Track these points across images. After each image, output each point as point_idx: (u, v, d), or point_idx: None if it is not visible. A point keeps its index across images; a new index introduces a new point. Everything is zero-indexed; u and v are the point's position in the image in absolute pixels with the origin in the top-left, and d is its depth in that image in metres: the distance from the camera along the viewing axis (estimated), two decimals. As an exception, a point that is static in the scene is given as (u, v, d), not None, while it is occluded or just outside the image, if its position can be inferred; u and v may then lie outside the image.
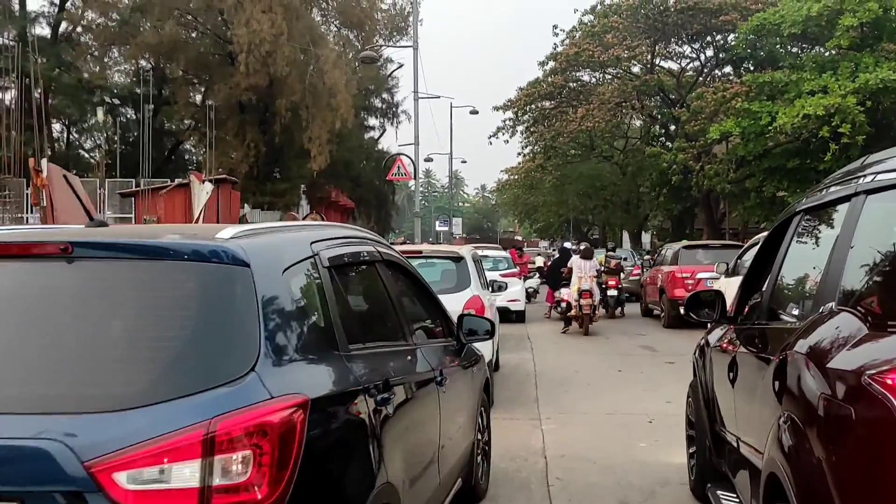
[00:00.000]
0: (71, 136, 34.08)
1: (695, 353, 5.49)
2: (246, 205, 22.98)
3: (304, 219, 22.33)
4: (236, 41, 22.99)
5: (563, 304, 16.06)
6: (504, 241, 69.56)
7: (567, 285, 16.52)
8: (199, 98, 27.88)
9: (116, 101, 30.05)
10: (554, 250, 17.44)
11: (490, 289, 10.81)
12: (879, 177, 2.73)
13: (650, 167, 36.36)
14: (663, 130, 38.61)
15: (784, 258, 3.76)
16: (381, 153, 40.71)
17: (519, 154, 39.91)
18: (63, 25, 29.12)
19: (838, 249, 2.85)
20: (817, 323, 2.73)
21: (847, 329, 2.47)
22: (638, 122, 43.79)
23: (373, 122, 41.01)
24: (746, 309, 4.37)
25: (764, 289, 4.04)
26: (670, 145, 34.47)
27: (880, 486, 2.06)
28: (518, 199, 55.32)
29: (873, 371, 2.11)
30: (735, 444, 3.98)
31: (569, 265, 16.89)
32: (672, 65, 38.10)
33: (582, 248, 17.65)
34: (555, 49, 35.62)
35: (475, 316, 4.88)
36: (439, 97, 28.21)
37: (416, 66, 22.47)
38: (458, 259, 8.61)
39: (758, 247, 11.36)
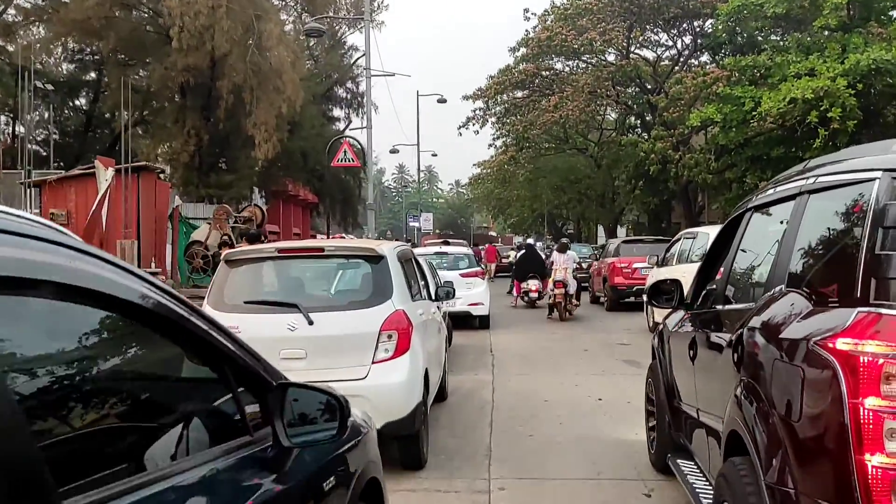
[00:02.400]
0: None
1: (653, 339, 5.85)
2: (177, 197, 20.20)
3: (241, 211, 19.66)
4: (167, 13, 20.11)
5: (532, 295, 18.61)
6: (478, 236, 67.09)
7: (534, 277, 18.77)
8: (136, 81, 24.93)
9: (50, 87, 27.15)
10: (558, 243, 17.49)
11: (435, 297, 8.16)
12: (820, 179, 3.12)
13: (626, 158, 34.06)
14: (639, 121, 36.20)
15: (737, 250, 4.12)
16: (357, 150, 37.95)
17: (490, 146, 37.30)
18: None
19: (786, 240, 3.23)
20: (770, 302, 3.11)
21: (795, 306, 2.86)
22: (613, 115, 41.62)
23: (337, 112, 38.14)
24: (701, 296, 4.71)
25: (719, 277, 4.51)
26: (646, 136, 32.15)
27: (825, 430, 2.39)
28: (491, 193, 52.75)
29: (818, 338, 2.49)
30: (695, 415, 4.29)
31: (551, 259, 17.78)
32: (648, 54, 35.62)
33: (559, 242, 18.94)
34: (526, 35, 33.02)
35: (308, 389, 2.24)
36: (394, 74, 25.61)
37: (368, 40, 19.86)
38: (374, 259, 5.96)
39: (689, 240, 12.39)
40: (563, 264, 16.51)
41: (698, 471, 4.39)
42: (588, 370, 10.23)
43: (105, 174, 13.34)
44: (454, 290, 8.57)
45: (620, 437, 6.73)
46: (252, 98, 21.10)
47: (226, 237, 14.29)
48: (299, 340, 5.53)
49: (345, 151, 18.10)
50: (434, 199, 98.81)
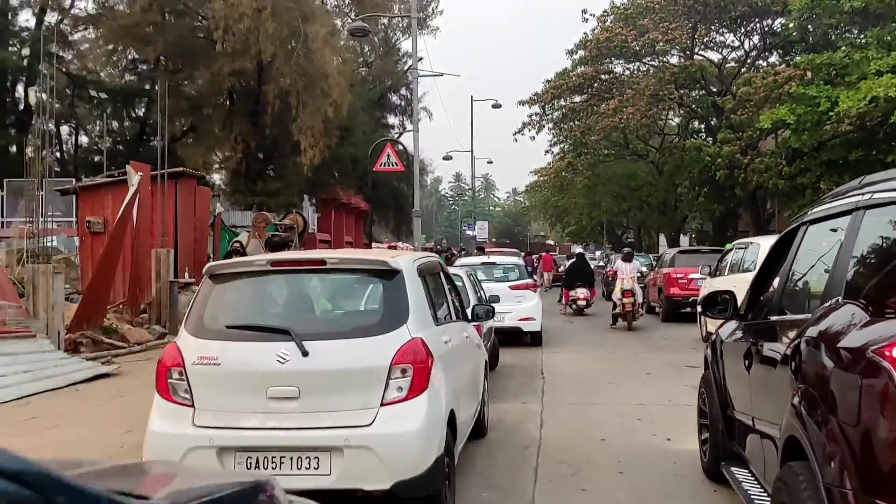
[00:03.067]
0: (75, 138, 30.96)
1: (706, 349, 6.01)
2: (219, 203, 19.42)
3: (282, 219, 18.78)
4: (212, 16, 19.42)
5: (580, 303, 19.03)
6: (535, 245, 65.57)
7: (582, 286, 19.26)
8: (187, 88, 24.37)
9: (104, 95, 26.87)
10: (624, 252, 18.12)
11: (472, 317, 6.93)
12: (876, 195, 3.23)
13: (690, 164, 32.32)
14: (703, 125, 34.33)
15: (793, 262, 4.22)
16: (400, 153, 36.97)
17: (547, 152, 35.87)
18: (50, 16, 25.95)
19: (843, 253, 3.31)
20: (827, 313, 3.15)
21: (853, 317, 2.91)
22: (675, 120, 39.83)
23: (391, 119, 37.21)
24: (755, 307, 4.83)
25: (773, 288, 4.66)
26: (711, 140, 30.35)
27: (881, 433, 2.49)
28: (549, 201, 51.27)
29: (875, 346, 2.57)
30: (750, 423, 4.36)
31: (613, 268, 18.09)
32: (713, 55, 33.79)
33: (624, 251, 18.68)
34: (585, 37, 31.59)
35: None
36: (442, 74, 24.55)
37: (415, 38, 18.73)
38: (387, 274, 4.78)
39: (742, 251, 12.79)
40: (630, 273, 16.56)
41: (752, 478, 4.45)
42: (652, 398, 8.86)
43: (133, 179, 12.54)
44: (494, 310, 7.29)
45: (696, 493, 5.41)
46: (298, 102, 20.21)
47: (237, 244, 13.22)
48: (291, 376, 4.40)
49: (388, 156, 17.02)
50: (491, 208, 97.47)
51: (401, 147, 16.81)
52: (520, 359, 12.08)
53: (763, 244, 11.46)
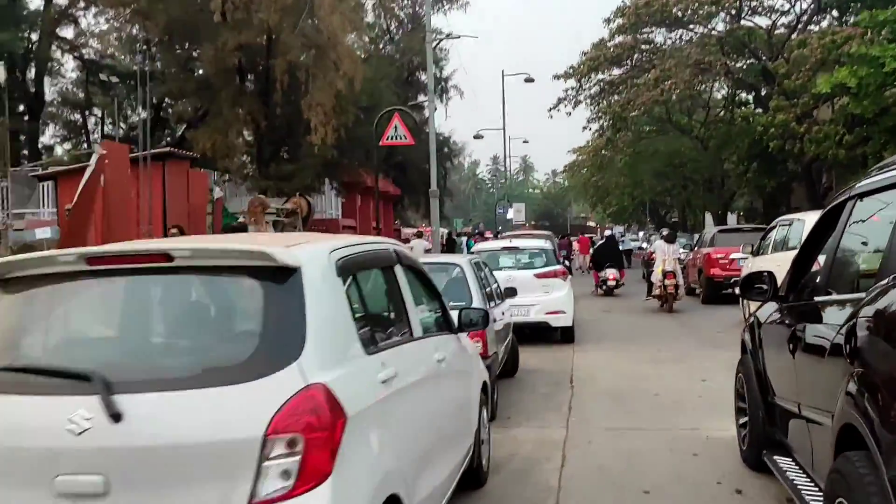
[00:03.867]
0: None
1: (744, 332, 5.61)
2: (217, 188, 17.61)
3: (284, 203, 16.96)
4: (210, -16, 17.62)
5: (610, 283, 19.19)
6: (575, 227, 63.04)
7: (611, 266, 19.37)
8: (196, 67, 22.59)
9: (115, 79, 25.36)
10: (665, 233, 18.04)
11: (458, 326, 4.86)
12: None
13: (737, 137, 29.80)
14: (752, 95, 31.52)
15: (840, 239, 3.89)
16: (412, 128, 34.85)
17: (584, 128, 33.46)
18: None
19: None
20: (885, 291, 2.87)
21: None
22: (721, 93, 37.15)
23: (422, 98, 35.13)
24: (798, 287, 4.53)
25: (818, 268, 4.41)
26: (761, 111, 27.72)
27: None
28: (588, 181, 48.78)
29: None
30: (795, 410, 4.09)
31: (651, 249, 18.28)
32: (761, 20, 30.96)
33: (665, 233, 18.06)
34: (623, 3, 29.08)
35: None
36: (459, 37, 22.66)
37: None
38: (274, 275, 2.81)
39: (785, 228, 12.52)
40: (673, 255, 16.04)
41: (797, 467, 4.22)
42: (711, 419, 6.72)
43: (93, 159, 10.72)
44: (486, 316, 5.21)
45: None
46: (307, 77, 18.31)
47: (241, 223, 11.42)
48: (92, 456, 2.51)
49: (395, 127, 14.88)
50: (530, 190, 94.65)
51: (414, 120, 14.57)
52: (545, 361, 10.06)
53: (808, 220, 10.58)
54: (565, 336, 11.59)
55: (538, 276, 11.37)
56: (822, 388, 3.43)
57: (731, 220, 43.00)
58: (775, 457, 4.53)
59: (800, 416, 4.01)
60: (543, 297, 11.16)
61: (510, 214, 40.88)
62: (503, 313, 8.13)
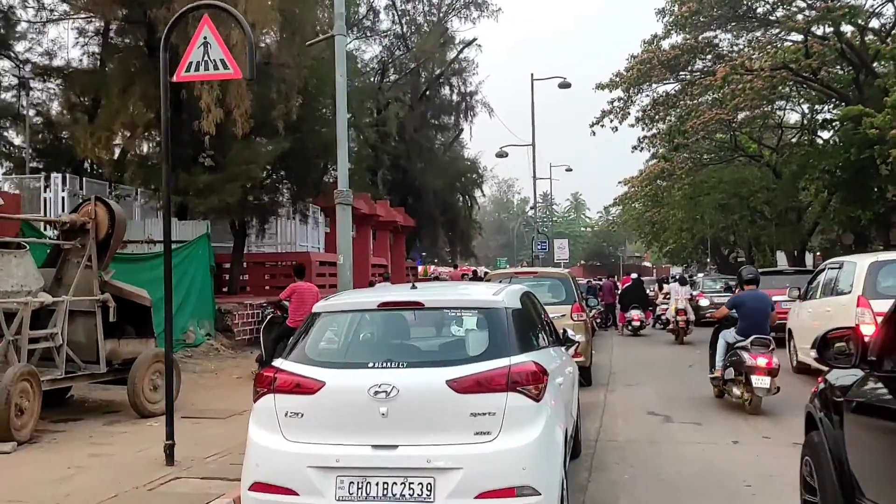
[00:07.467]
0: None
1: (813, 402, 4.23)
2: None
3: (71, 213, 10.14)
4: None
5: (634, 323, 19.93)
6: (628, 267, 56.38)
7: (636, 307, 20.17)
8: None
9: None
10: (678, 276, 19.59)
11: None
12: None
13: (822, 158, 23.46)
14: (843, 103, 25.05)
15: None
16: (452, 159, 29.15)
17: (635, 148, 27.34)
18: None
19: None
20: None
21: None
22: (796, 113, 30.87)
23: (445, 119, 29.63)
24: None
25: None
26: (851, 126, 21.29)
27: None
28: (642, 216, 42.40)
29: None
30: None
31: (665, 290, 20.62)
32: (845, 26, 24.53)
33: (677, 276, 21.44)
34: (678, -2, 23.21)
35: None
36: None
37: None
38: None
39: (835, 271, 11.47)
40: (685, 295, 18.00)
41: None
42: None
43: None
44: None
45: None
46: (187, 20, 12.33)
47: None
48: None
49: (204, 44, 6.28)
50: (582, 229, 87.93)
51: (244, 25, 6.61)
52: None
53: (860, 263, 9.81)
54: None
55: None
56: None
57: (809, 259, 35.95)
58: None
59: None
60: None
61: (553, 252, 34.65)
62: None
